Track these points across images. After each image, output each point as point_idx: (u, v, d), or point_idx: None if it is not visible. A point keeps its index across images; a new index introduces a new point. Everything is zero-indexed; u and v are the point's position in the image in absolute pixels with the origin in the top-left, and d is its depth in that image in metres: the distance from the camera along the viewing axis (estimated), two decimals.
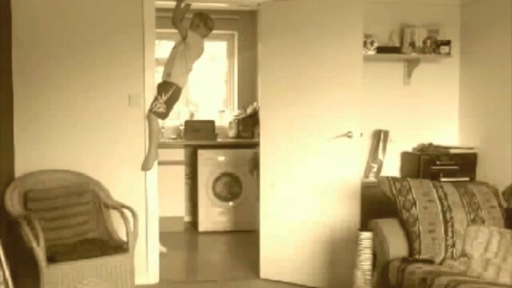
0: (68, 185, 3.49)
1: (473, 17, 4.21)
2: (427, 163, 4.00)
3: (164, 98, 3.81)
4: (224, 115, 6.08)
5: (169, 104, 3.88)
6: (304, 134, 3.74)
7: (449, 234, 2.92)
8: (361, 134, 3.64)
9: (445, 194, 3.05)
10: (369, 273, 2.96)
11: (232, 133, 5.73)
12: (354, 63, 3.59)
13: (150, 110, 3.78)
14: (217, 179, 5.36)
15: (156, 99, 3.80)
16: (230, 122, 5.80)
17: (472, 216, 2.99)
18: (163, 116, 3.90)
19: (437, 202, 3.01)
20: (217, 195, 5.36)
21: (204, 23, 4.03)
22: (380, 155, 4.23)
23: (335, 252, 3.68)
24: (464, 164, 4.06)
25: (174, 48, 3.97)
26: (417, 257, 2.88)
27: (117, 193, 3.62)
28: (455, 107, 4.38)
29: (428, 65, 4.27)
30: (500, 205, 3.12)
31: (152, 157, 3.79)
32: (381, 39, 4.14)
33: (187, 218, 5.68)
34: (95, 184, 3.59)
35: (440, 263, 2.86)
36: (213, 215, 5.37)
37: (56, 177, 3.53)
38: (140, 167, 3.78)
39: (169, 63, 3.94)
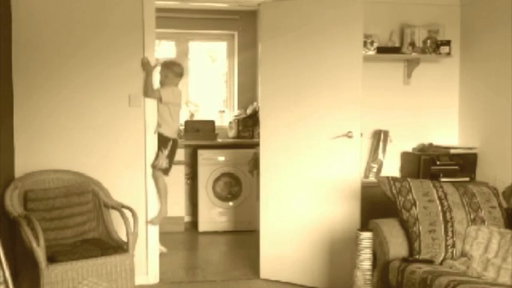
0: (68, 185, 3.49)
1: (473, 17, 4.21)
2: (427, 163, 4.00)
3: (165, 152, 3.90)
4: (224, 115, 6.09)
5: (171, 157, 3.97)
6: (304, 134, 3.74)
7: (449, 234, 2.92)
8: (361, 134, 3.64)
9: (445, 194, 3.05)
10: (369, 273, 2.96)
11: (232, 133, 5.73)
12: (354, 63, 3.59)
13: (154, 167, 3.83)
14: (217, 179, 5.36)
15: (157, 155, 3.84)
16: (230, 122, 5.80)
17: (472, 216, 3.00)
18: (167, 171, 3.98)
19: (437, 202, 3.01)
20: (217, 195, 5.36)
21: (171, 70, 4.08)
22: (380, 155, 4.23)
23: (335, 252, 3.68)
24: (464, 164, 4.06)
25: (158, 105, 3.92)
26: (417, 257, 2.88)
27: (117, 193, 3.62)
28: (455, 107, 4.38)
29: (428, 65, 4.27)
30: (500, 205, 3.12)
31: (163, 215, 3.85)
32: (381, 39, 4.14)
33: (187, 218, 5.68)
34: (95, 184, 3.59)
35: (440, 263, 2.87)
36: (213, 215, 5.37)
37: (56, 177, 3.53)
38: (140, 167, 3.79)
39: (158, 115, 3.91)
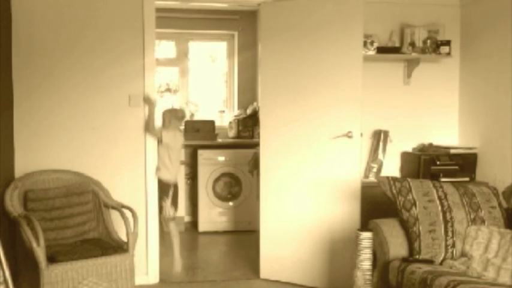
0: (68, 185, 3.49)
1: (473, 17, 4.21)
2: (427, 163, 4.00)
3: (168, 201, 3.88)
4: (224, 115, 6.09)
5: (175, 203, 3.94)
6: (304, 134, 3.74)
7: (449, 234, 2.92)
8: (361, 134, 3.64)
9: (445, 194, 3.05)
10: (369, 273, 2.96)
11: (232, 133, 5.73)
12: (354, 63, 3.59)
13: (164, 219, 3.86)
14: (217, 179, 5.36)
15: (161, 206, 3.86)
16: (230, 122, 5.80)
17: (472, 216, 3.00)
18: (174, 217, 3.95)
19: (437, 202, 3.01)
20: (217, 195, 5.36)
21: (175, 116, 4.00)
22: (380, 155, 4.23)
23: (335, 252, 3.68)
24: (464, 164, 4.06)
25: (158, 147, 3.90)
26: (417, 257, 2.88)
27: (117, 193, 3.62)
28: (455, 107, 4.38)
29: (428, 65, 4.27)
30: (500, 205, 3.12)
31: (179, 263, 3.85)
32: (381, 39, 4.14)
33: (187, 218, 5.68)
34: (95, 184, 3.59)
35: (440, 263, 2.87)
36: (213, 215, 5.37)
37: (56, 177, 3.53)
38: (140, 167, 3.80)
39: (157, 157, 3.89)
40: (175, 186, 4.00)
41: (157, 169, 3.87)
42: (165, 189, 3.91)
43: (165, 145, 3.87)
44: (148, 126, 3.77)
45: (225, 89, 6.31)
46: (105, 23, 3.71)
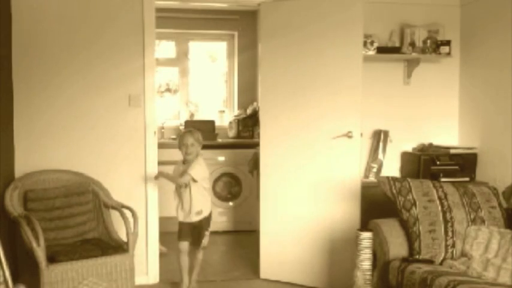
0: (68, 185, 3.49)
1: (473, 17, 4.21)
2: (427, 163, 4.00)
3: (209, 229, 3.70)
4: (224, 115, 6.09)
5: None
6: (304, 134, 3.74)
7: (449, 234, 2.92)
8: (361, 134, 3.64)
9: (445, 194, 3.05)
10: (369, 273, 2.96)
11: (232, 133, 5.73)
12: (354, 63, 3.59)
13: (203, 248, 3.69)
14: (217, 179, 5.35)
15: (205, 236, 3.66)
16: (230, 122, 5.80)
17: (472, 216, 3.00)
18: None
19: (437, 202, 3.01)
20: (217, 195, 5.36)
21: (197, 139, 3.56)
22: (380, 155, 4.23)
23: (335, 252, 3.68)
24: (464, 164, 4.06)
25: (191, 187, 3.54)
26: (417, 257, 2.88)
27: (117, 193, 3.62)
28: (455, 107, 4.38)
29: (428, 65, 4.27)
30: (500, 205, 3.13)
31: (193, 285, 3.72)
32: (381, 39, 4.14)
33: None
34: (95, 184, 3.59)
35: (440, 263, 2.87)
36: (213, 215, 5.34)
37: (56, 177, 3.53)
38: (140, 167, 3.79)
39: (196, 199, 3.55)
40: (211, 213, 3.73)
41: (199, 213, 3.57)
42: (208, 222, 3.67)
43: (199, 180, 3.52)
44: (177, 182, 3.52)
45: (225, 89, 6.31)
46: (105, 23, 3.71)
